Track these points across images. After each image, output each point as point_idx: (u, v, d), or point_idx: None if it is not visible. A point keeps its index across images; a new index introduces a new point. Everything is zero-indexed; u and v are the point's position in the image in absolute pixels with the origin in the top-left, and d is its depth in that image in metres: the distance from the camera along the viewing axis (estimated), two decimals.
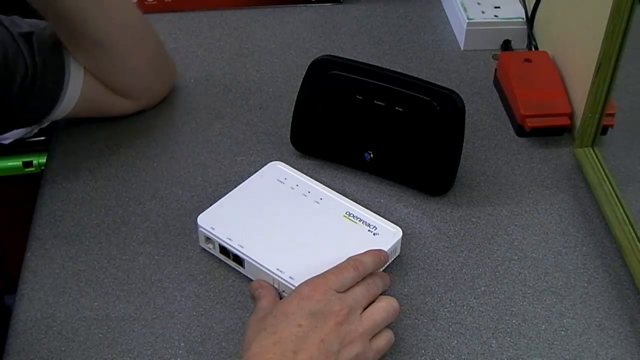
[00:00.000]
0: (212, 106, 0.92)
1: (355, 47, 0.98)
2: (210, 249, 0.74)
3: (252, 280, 0.72)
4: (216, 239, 0.73)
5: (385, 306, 0.66)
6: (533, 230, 0.79)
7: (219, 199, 0.76)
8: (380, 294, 0.68)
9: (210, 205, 0.75)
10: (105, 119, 0.89)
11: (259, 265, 0.70)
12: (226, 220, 0.74)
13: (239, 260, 0.72)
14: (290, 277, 0.69)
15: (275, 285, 0.70)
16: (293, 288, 0.68)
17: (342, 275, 0.66)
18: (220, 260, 0.74)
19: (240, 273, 0.73)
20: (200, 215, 0.74)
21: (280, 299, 0.69)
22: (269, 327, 0.62)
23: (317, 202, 0.76)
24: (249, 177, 0.79)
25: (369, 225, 0.74)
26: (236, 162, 0.85)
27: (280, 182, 0.78)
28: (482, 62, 1.00)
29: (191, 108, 0.92)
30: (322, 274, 0.66)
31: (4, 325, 0.69)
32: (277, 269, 0.69)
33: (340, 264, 0.67)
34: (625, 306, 0.72)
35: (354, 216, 0.75)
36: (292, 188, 0.78)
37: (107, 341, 0.67)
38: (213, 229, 0.73)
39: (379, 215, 0.75)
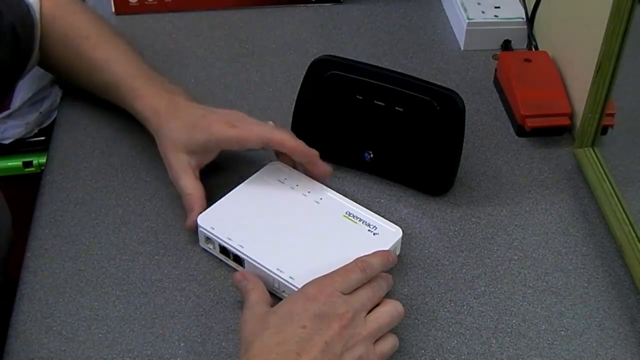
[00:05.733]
0: (212, 106, 0.92)
1: (355, 47, 0.98)
2: (210, 249, 0.74)
3: None
4: (216, 239, 0.73)
5: (390, 310, 0.65)
6: (533, 230, 0.79)
7: (219, 199, 0.76)
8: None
9: (210, 205, 0.75)
10: (104, 118, 0.89)
11: (259, 265, 0.70)
12: (226, 220, 0.74)
13: (239, 260, 0.72)
14: (290, 277, 0.69)
15: (276, 285, 0.70)
16: (293, 288, 0.68)
17: (348, 276, 0.65)
18: (220, 260, 0.74)
19: None
20: (200, 215, 0.74)
21: (270, 293, 0.69)
22: (273, 327, 0.62)
23: (317, 202, 0.76)
24: (249, 177, 0.79)
25: (369, 225, 0.74)
26: (236, 162, 0.85)
27: (280, 182, 0.78)
28: (482, 62, 1.00)
29: None
30: (328, 274, 0.66)
31: (4, 325, 0.69)
32: (277, 269, 0.69)
33: (348, 265, 0.67)
34: (625, 306, 0.72)
35: (354, 216, 0.75)
36: (292, 188, 0.78)
37: (107, 341, 0.67)
38: (213, 229, 0.73)
39: (379, 215, 0.75)
